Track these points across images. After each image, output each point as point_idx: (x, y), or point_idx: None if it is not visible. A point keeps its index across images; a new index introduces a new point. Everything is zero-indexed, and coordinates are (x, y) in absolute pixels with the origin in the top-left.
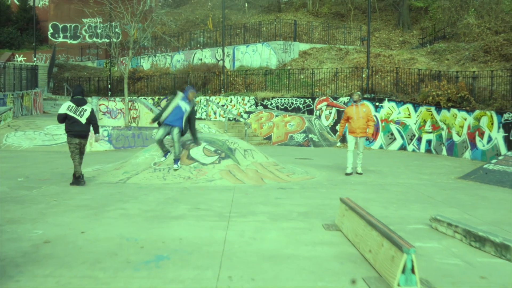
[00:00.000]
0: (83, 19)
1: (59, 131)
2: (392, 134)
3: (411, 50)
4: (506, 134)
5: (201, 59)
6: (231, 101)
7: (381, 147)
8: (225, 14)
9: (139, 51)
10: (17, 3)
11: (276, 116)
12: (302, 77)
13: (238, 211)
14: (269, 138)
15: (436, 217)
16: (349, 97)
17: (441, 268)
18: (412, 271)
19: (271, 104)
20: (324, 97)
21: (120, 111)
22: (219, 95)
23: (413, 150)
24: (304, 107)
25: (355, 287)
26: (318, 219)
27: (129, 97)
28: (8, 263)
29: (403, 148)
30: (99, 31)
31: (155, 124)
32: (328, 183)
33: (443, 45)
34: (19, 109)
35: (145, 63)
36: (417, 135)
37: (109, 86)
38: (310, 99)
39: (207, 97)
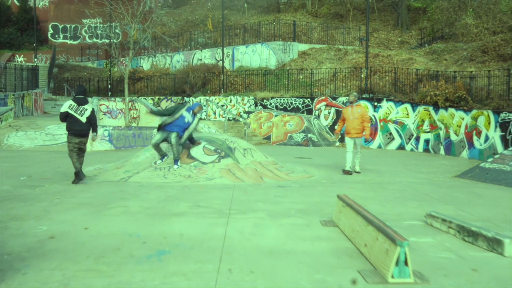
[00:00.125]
0: (83, 20)
1: (60, 131)
2: (390, 133)
3: (409, 50)
4: (503, 133)
5: (200, 60)
6: (230, 101)
7: (379, 147)
8: (224, 15)
9: (139, 51)
10: (17, 3)
11: (276, 116)
12: (301, 77)
13: (238, 209)
14: (268, 137)
15: (431, 213)
16: (347, 97)
17: (434, 262)
18: (406, 263)
19: (271, 104)
20: (323, 97)
21: (120, 111)
22: (218, 95)
23: (411, 150)
24: (303, 107)
25: (355, 287)
26: (316, 216)
27: (129, 97)
28: (15, 257)
29: (401, 147)
30: (99, 31)
31: (155, 124)
32: (326, 182)
33: (441, 45)
34: (20, 109)
35: (145, 64)
36: (415, 135)
37: (109, 86)
38: (309, 99)
39: (207, 97)
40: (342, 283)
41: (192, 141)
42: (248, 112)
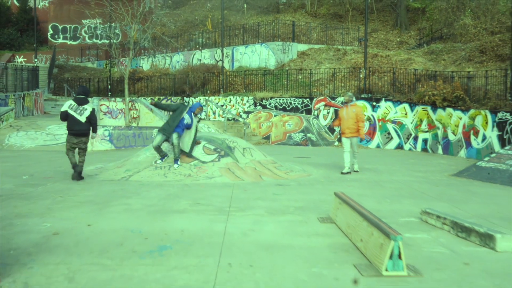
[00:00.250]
0: (82, 20)
1: (61, 131)
2: (389, 133)
3: (408, 51)
4: (500, 133)
5: (200, 60)
6: (230, 101)
7: (378, 146)
8: (224, 15)
9: (139, 52)
10: (17, 4)
11: (275, 116)
12: (300, 77)
13: (237, 206)
14: (267, 137)
15: (426, 210)
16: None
17: (428, 256)
18: (399, 257)
19: (270, 104)
20: (322, 97)
21: (120, 111)
22: (218, 95)
23: (410, 149)
24: (302, 107)
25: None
26: (314, 213)
27: (129, 98)
28: (21, 252)
29: (399, 147)
30: (98, 32)
31: (155, 124)
32: (324, 180)
33: (440, 46)
34: (20, 109)
35: (145, 64)
36: (413, 134)
37: (109, 86)
38: (308, 99)
39: (207, 97)
40: (339, 276)
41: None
42: (248, 112)
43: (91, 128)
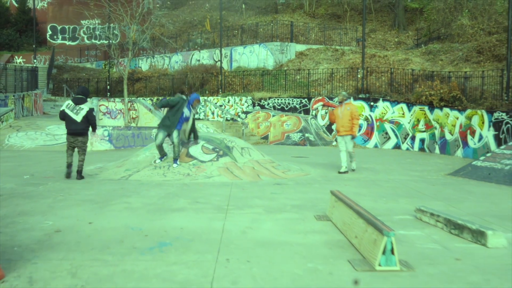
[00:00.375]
0: (81, 21)
1: (60, 131)
2: (386, 133)
3: (406, 51)
4: (496, 133)
5: (199, 60)
6: (228, 102)
7: (376, 146)
8: (222, 16)
9: (138, 52)
10: (16, 5)
11: (273, 116)
12: (298, 77)
13: (235, 204)
14: (266, 137)
15: (421, 208)
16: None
17: (421, 252)
18: (392, 252)
19: (268, 104)
20: (320, 97)
21: (119, 111)
22: (217, 96)
23: (407, 149)
24: (300, 107)
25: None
26: (311, 211)
27: (128, 98)
28: (24, 249)
29: (397, 146)
30: (97, 32)
31: (154, 124)
32: (321, 179)
33: (437, 46)
34: (20, 110)
35: (144, 64)
36: (411, 134)
37: (108, 87)
38: (306, 99)
39: (205, 98)
40: (333, 271)
41: (195, 135)
42: (246, 112)
43: (90, 127)
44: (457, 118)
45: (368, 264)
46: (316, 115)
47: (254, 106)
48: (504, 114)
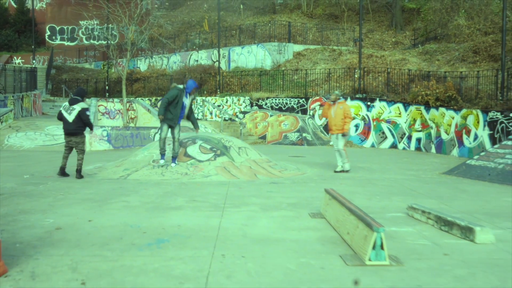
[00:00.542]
0: (80, 21)
1: (59, 131)
2: (383, 132)
3: (403, 51)
4: (491, 132)
5: (197, 61)
6: (226, 102)
7: (372, 146)
8: (220, 16)
9: (136, 53)
10: (15, 5)
11: (271, 116)
12: (296, 77)
13: (232, 203)
14: (263, 137)
15: (412, 205)
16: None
17: (411, 248)
18: (382, 247)
19: (266, 104)
20: (318, 97)
21: (118, 111)
22: (215, 96)
23: (404, 148)
24: (298, 107)
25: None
26: (306, 209)
27: (127, 98)
28: (26, 245)
29: (394, 146)
30: (96, 33)
31: (152, 124)
32: (318, 178)
33: (434, 46)
34: (19, 110)
35: (142, 65)
36: (407, 134)
37: (107, 87)
38: (303, 99)
39: (203, 98)
40: (325, 265)
41: (194, 123)
42: (244, 112)
43: (86, 127)
44: (453, 118)
45: (359, 259)
46: (313, 115)
47: (252, 106)
48: (498, 113)
